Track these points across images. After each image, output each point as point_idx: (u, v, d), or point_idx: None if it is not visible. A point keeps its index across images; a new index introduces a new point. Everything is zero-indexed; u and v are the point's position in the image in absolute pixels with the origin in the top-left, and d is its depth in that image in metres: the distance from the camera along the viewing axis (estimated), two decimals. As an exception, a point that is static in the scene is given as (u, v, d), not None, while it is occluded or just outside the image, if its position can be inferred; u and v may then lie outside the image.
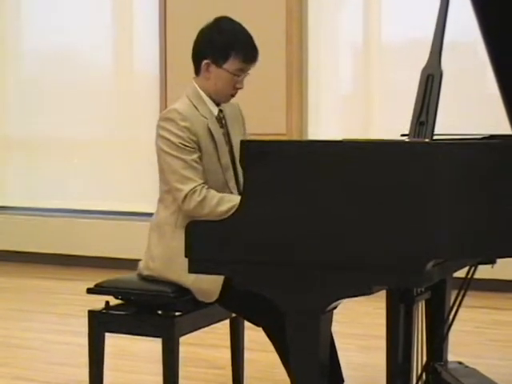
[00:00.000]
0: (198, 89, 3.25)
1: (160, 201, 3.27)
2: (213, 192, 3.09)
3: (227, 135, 3.29)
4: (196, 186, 3.08)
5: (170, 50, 6.79)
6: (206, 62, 3.21)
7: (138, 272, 3.31)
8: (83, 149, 7.35)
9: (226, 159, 3.22)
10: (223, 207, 3.04)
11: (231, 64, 3.19)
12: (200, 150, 3.16)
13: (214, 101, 3.26)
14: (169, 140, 3.13)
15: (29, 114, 7.50)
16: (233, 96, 3.28)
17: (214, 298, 3.19)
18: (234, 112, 3.37)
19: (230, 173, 3.24)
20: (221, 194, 3.09)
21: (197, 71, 3.27)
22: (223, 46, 3.17)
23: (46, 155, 7.48)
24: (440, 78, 2.72)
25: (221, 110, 3.29)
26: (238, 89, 3.24)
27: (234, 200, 3.01)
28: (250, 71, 3.25)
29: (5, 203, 7.64)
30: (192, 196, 3.08)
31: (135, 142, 7.15)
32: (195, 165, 3.12)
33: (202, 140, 3.17)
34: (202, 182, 3.11)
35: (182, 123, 3.13)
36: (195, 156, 3.13)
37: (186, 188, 3.08)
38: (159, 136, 3.17)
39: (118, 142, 7.23)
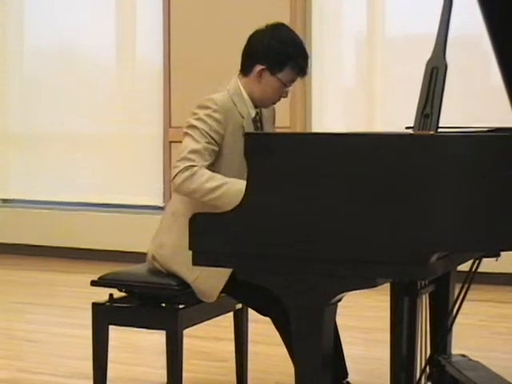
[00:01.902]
0: (241, 87, 3.23)
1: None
2: (205, 170, 3.05)
3: None
4: (193, 166, 3.05)
5: (174, 46, 6.79)
6: (261, 68, 3.19)
7: (147, 255, 3.33)
8: (88, 143, 7.35)
9: None
10: (212, 184, 3.00)
11: (286, 74, 3.20)
12: (222, 145, 3.14)
13: (254, 103, 3.25)
14: (194, 125, 3.11)
15: (33, 109, 7.50)
16: (275, 103, 3.30)
17: (212, 300, 3.21)
18: (269, 113, 3.39)
19: None
20: (213, 173, 3.05)
21: (245, 71, 3.24)
22: (282, 56, 3.17)
23: (52, 149, 7.48)
24: (445, 71, 2.71)
25: (257, 113, 3.28)
26: (282, 97, 3.26)
27: (224, 179, 3.01)
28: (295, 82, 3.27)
29: (8, 196, 7.65)
30: (184, 172, 3.03)
31: (139, 136, 7.15)
32: (205, 153, 3.08)
33: (231, 136, 3.15)
34: (201, 166, 3.06)
35: (215, 114, 3.12)
36: (211, 147, 3.10)
37: (182, 165, 3.05)
38: (187, 121, 3.16)
39: (123, 137, 7.23)
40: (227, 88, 3.23)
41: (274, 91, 3.23)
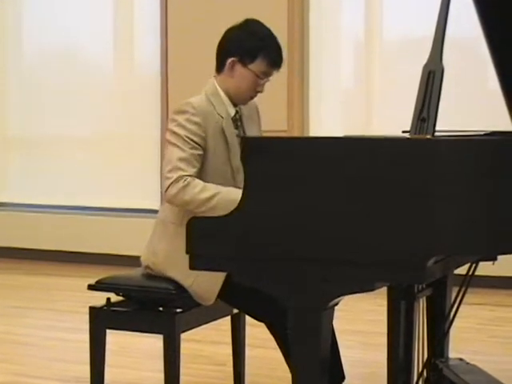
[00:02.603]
0: (218, 87, 3.23)
1: None
2: (198, 180, 3.06)
3: None
4: (184, 176, 3.06)
5: (171, 48, 6.79)
6: (232, 59, 3.18)
7: (141, 262, 3.32)
8: (85, 146, 7.35)
9: (237, 161, 3.11)
10: (205, 194, 3.01)
11: (257, 66, 3.18)
12: (206, 148, 3.14)
13: (232, 101, 3.24)
14: (175, 132, 3.12)
15: (31, 111, 7.50)
16: (252, 98, 3.27)
17: (210, 302, 3.20)
18: (251, 113, 3.36)
19: (242, 175, 3.21)
20: (205, 183, 3.06)
21: (220, 69, 3.24)
22: (252, 46, 3.17)
23: (48, 152, 7.48)
24: (441, 75, 2.71)
25: (237, 111, 3.27)
26: (258, 92, 3.24)
27: (218, 189, 3.01)
28: (271, 77, 3.24)
29: (5, 199, 7.64)
30: (176, 183, 3.05)
31: (136, 139, 7.15)
32: (193, 160, 3.09)
33: (212, 139, 3.15)
34: (192, 174, 3.08)
35: (193, 118, 3.12)
36: (196, 152, 3.11)
37: (174, 176, 3.06)
38: (168, 129, 3.16)
39: (120, 140, 7.23)
40: (203, 90, 3.23)
41: (248, 84, 3.20)
